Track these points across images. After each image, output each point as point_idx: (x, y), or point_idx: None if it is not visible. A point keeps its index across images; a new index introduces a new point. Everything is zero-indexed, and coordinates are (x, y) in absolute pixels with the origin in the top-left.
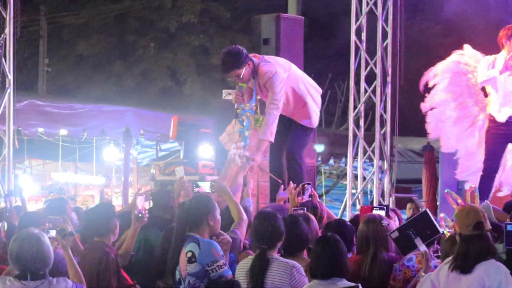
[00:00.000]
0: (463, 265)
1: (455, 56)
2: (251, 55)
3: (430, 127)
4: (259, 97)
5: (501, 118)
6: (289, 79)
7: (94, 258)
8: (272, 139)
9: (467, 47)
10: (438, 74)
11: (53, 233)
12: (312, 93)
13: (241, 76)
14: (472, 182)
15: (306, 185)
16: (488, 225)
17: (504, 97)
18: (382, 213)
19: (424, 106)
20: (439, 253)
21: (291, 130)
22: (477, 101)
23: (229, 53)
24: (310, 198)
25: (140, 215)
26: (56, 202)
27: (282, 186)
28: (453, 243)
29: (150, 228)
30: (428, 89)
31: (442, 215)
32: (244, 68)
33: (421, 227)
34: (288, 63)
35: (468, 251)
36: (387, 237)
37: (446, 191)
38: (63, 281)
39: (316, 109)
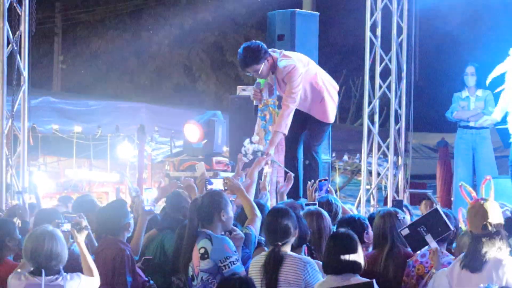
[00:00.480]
0: (473, 264)
1: None
2: (270, 50)
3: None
4: (278, 93)
5: None
6: (307, 74)
7: (109, 255)
8: (286, 132)
9: None
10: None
11: (67, 226)
12: (329, 89)
13: (260, 72)
14: None
15: (322, 181)
16: (498, 222)
17: None
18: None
19: (497, 113)
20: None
21: (308, 125)
22: None
23: (248, 48)
24: (327, 194)
25: (149, 208)
26: (84, 198)
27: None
28: (467, 239)
29: (166, 231)
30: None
31: (461, 209)
32: (263, 64)
33: (432, 224)
34: (306, 58)
35: (477, 251)
36: None
37: (460, 183)
38: (77, 276)
39: (333, 105)
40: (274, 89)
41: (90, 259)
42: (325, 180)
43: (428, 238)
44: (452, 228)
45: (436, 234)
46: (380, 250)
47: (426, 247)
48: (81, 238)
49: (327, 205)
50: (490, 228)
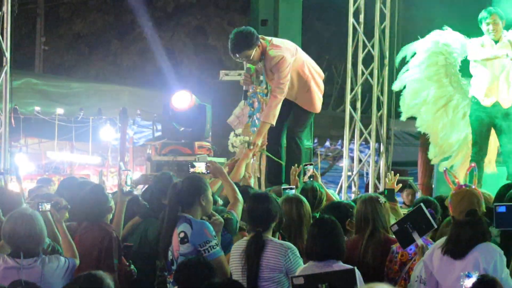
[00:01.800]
0: (454, 250)
1: (435, 35)
2: (260, 37)
3: (404, 106)
4: (265, 81)
5: (487, 102)
6: (295, 63)
7: (96, 237)
8: (274, 123)
9: (448, 28)
10: (417, 53)
11: (47, 206)
12: (316, 78)
13: (251, 57)
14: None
15: (307, 166)
16: (482, 210)
17: (491, 82)
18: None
19: (397, 84)
20: None
21: (292, 112)
22: (453, 81)
23: (240, 33)
24: (312, 179)
25: (128, 188)
26: (68, 181)
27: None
28: (449, 225)
29: (150, 219)
30: (403, 66)
31: (443, 169)
32: (255, 49)
33: (417, 220)
34: (294, 46)
35: (460, 237)
36: (385, 216)
37: (443, 169)
38: (55, 258)
39: (319, 94)
40: (263, 77)
41: (70, 239)
42: (310, 165)
43: (415, 235)
44: (435, 226)
45: (421, 231)
46: (361, 235)
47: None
48: (61, 217)
49: (312, 191)
50: (475, 214)
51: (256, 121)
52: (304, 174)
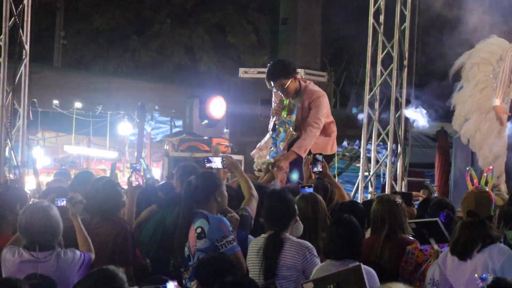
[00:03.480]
0: (458, 251)
1: (481, 45)
2: (300, 79)
3: (454, 119)
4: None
5: None
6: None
7: (111, 231)
8: (304, 156)
9: (493, 36)
10: (465, 64)
11: (63, 202)
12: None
13: (286, 87)
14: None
15: (317, 156)
16: (486, 213)
17: None
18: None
19: (453, 100)
20: None
21: None
22: (501, 91)
23: (280, 61)
24: (321, 170)
25: (137, 182)
26: (84, 175)
27: None
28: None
29: (169, 208)
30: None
31: (467, 168)
32: (291, 80)
33: (433, 231)
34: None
35: (459, 237)
36: (402, 217)
37: (467, 168)
38: (71, 252)
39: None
40: (295, 110)
41: (86, 234)
42: (320, 154)
43: (431, 240)
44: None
45: (437, 240)
46: (377, 235)
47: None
48: (77, 212)
49: (323, 189)
50: (473, 215)
51: (279, 151)
52: (315, 164)
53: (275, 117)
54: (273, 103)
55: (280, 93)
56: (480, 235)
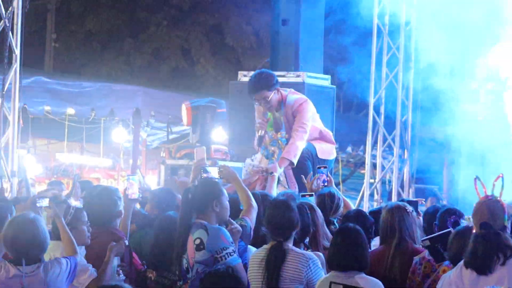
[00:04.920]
0: (476, 264)
1: None
2: (280, 88)
3: None
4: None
5: None
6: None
7: (105, 243)
8: (295, 161)
9: None
10: None
11: (45, 202)
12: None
13: (269, 99)
14: None
15: (321, 168)
16: (500, 223)
17: None
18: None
19: None
20: None
21: None
22: None
23: (261, 73)
24: (325, 184)
25: (133, 195)
26: (82, 185)
27: None
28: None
29: (147, 229)
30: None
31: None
32: (274, 92)
33: (447, 243)
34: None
35: (476, 250)
36: (413, 226)
37: (474, 176)
38: (57, 263)
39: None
40: (282, 124)
41: (70, 236)
42: (325, 167)
43: (446, 255)
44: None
45: None
46: (387, 245)
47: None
48: (60, 212)
49: (329, 197)
50: (486, 227)
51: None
52: (318, 178)
53: (259, 131)
54: (256, 119)
55: (263, 106)
56: (498, 247)
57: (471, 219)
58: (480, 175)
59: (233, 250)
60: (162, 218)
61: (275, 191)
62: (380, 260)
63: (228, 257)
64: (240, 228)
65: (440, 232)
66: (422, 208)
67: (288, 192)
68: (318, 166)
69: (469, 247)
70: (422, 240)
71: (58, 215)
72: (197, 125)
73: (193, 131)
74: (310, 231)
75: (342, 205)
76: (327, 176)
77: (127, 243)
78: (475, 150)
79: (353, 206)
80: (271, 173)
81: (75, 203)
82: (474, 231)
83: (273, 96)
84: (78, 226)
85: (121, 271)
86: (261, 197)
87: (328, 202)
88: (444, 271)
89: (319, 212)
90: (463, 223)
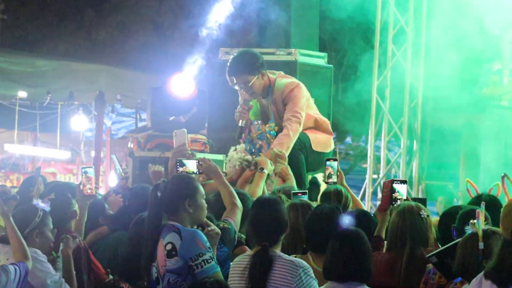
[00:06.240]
0: (501, 277)
1: None
2: (268, 71)
3: None
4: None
5: None
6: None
7: (63, 250)
8: (286, 154)
9: None
10: None
11: None
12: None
13: (250, 85)
14: None
15: (330, 161)
16: None
17: None
18: (404, 186)
19: None
20: None
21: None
22: None
23: (244, 54)
24: (336, 180)
25: (89, 190)
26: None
27: None
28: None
29: (121, 232)
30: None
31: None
32: (256, 77)
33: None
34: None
35: (503, 261)
36: (427, 232)
37: (502, 174)
38: (3, 272)
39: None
40: (271, 114)
41: (21, 239)
42: (334, 160)
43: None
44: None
45: None
46: (397, 254)
47: None
48: (8, 210)
49: (335, 195)
50: None
51: None
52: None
53: (240, 121)
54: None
55: (245, 92)
56: None
57: (478, 224)
58: (504, 170)
59: (210, 256)
60: (136, 220)
61: (260, 191)
62: (391, 271)
63: (205, 264)
64: (218, 230)
65: (448, 245)
66: (432, 209)
67: (286, 187)
68: (326, 158)
69: (495, 256)
70: (428, 257)
71: (7, 214)
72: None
73: None
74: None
75: (350, 205)
76: (337, 171)
77: (82, 245)
78: (498, 140)
79: (363, 205)
80: (262, 169)
81: (43, 204)
82: (480, 239)
83: (256, 81)
84: (45, 231)
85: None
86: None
87: (334, 201)
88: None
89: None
90: (468, 229)
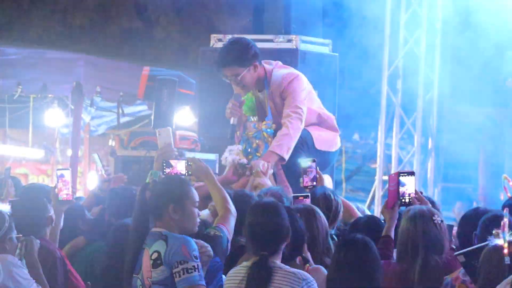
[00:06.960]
0: None
1: None
2: (264, 62)
3: None
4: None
5: None
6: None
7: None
8: (286, 158)
9: None
10: None
11: None
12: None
13: (240, 78)
14: None
15: (308, 163)
16: None
17: None
18: (411, 179)
19: None
20: None
21: None
22: None
23: (235, 43)
24: (314, 183)
25: (65, 196)
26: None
27: None
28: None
29: (99, 242)
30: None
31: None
32: (247, 69)
33: None
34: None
35: None
36: (442, 240)
37: (503, 176)
38: None
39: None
40: (268, 109)
41: None
42: (313, 161)
43: None
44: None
45: None
46: (408, 265)
47: None
48: None
49: (324, 200)
50: None
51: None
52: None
53: (232, 119)
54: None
55: (235, 86)
56: None
57: (503, 236)
58: None
59: (193, 266)
60: (117, 227)
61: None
62: (403, 281)
63: (184, 274)
64: (210, 252)
65: (478, 245)
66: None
67: (273, 189)
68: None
69: None
70: (456, 254)
71: None
72: (151, 102)
73: (149, 108)
74: (303, 244)
75: (341, 212)
76: (315, 174)
77: (59, 254)
78: None
79: (359, 213)
80: (245, 168)
81: (3, 206)
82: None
83: (246, 73)
84: (13, 236)
85: None
86: (241, 198)
87: (323, 208)
88: None
89: (322, 219)
90: (490, 240)
